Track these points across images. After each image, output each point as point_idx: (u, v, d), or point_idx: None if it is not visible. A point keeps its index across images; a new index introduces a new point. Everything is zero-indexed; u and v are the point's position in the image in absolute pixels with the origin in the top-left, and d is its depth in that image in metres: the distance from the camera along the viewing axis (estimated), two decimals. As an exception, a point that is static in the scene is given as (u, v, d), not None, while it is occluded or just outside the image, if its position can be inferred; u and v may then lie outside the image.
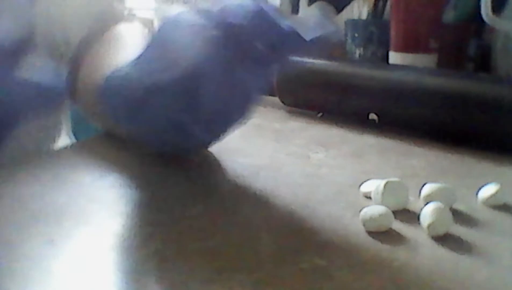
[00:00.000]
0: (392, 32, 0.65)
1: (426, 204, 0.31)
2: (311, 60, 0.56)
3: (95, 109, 0.42)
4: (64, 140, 0.59)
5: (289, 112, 0.58)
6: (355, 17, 0.78)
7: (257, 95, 0.36)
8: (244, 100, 0.36)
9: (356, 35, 0.73)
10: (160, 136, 0.36)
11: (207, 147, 0.43)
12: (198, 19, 0.34)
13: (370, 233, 0.30)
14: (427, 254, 0.28)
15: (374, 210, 0.31)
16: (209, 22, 0.33)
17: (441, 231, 0.30)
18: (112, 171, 0.40)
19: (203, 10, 0.34)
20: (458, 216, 0.32)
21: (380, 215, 0.31)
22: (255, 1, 0.33)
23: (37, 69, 0.24)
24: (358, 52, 0.73)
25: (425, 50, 0.62)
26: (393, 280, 0.26)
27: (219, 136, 0.38)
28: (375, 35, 0.71)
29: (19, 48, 0.25)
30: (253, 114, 0.37)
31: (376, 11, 0.73)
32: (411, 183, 0.35)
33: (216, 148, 0.44)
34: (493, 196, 0.34)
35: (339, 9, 0.84)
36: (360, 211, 0.31)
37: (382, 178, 0.34)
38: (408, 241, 0.30)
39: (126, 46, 0.46)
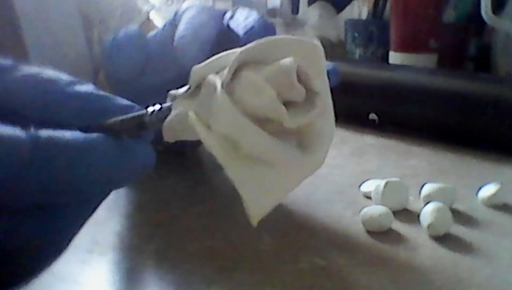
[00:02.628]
0: (392, 32, 0.65)
1: (426, 204, 0.31)
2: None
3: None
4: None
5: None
6: (355, 17, 0.78)
7: None
8: None
9: (356, 35, 0.73)
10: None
11: (196, 147, 0.43)
12: (205, 17, 0.34)
13: (370, 233, 0.30)
14: (427, 254, 0.28)
15: (374, 210, 0.31)
16: (214, 23, 0.34)
17: (441, 231, 0.30)
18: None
19: (215, 9, 0.35)
20: (458, 216, 0.32)
21: (380, 215, 0.31)
22: (262, 19, 0.34)
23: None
24: (358, 52, 0.73)
25: (425, 50, 0.62)
26: (393, 280, 0.26)
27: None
28: (375, 35, 0.71)
29: None
30: None
31: (376, 11, 0.73)
32: (411, 183, 0.35)
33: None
34: (493, 196, 0.34)
35: (339, 9, 0.84)
36: (360, 211, 0.31)
37: (382, 178, 0.34)
38: (408, 241, 0.30)
39: None
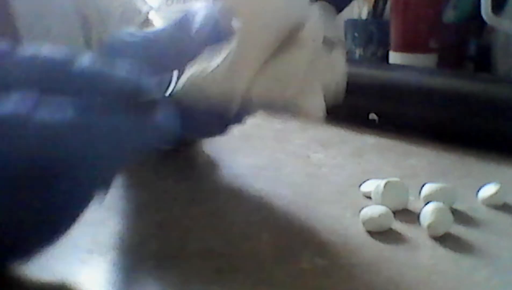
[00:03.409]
0: (392, 32, 0.65)
1: (426, 204, 0.31)
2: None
3: None
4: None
5: (289, 112, 0.58)
6: (355, 17, 0.78)
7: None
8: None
9: (356, 35, 0.73)
10: None
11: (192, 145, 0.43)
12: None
13: (370, 233, 0.30)
14: (427, 254, 0.28)
15: (374, 210, 0.31)
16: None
17: (441, 231, 0.30)
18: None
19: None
20: (458, 216, 0.32)
21: (380, 215, 0.31)
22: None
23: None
24: (358, 52, 0.73)
25: (425, 50, 0.62)
26: (393, 280, 0.26)
27: (204, 134, 0.39)
28: (375, 35, 0.71)
29: None
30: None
31: (376, 11, 0.73)
32: (411, 183, 0.35)
33: (216, 148, 0.44)
34: (493, 196, 0.34)
35: (339, 9, 0.84)
36: (360, 211, 0.31)
37: (382, 178, 0.34)
38: (408, 241, 0.30)
39: None
